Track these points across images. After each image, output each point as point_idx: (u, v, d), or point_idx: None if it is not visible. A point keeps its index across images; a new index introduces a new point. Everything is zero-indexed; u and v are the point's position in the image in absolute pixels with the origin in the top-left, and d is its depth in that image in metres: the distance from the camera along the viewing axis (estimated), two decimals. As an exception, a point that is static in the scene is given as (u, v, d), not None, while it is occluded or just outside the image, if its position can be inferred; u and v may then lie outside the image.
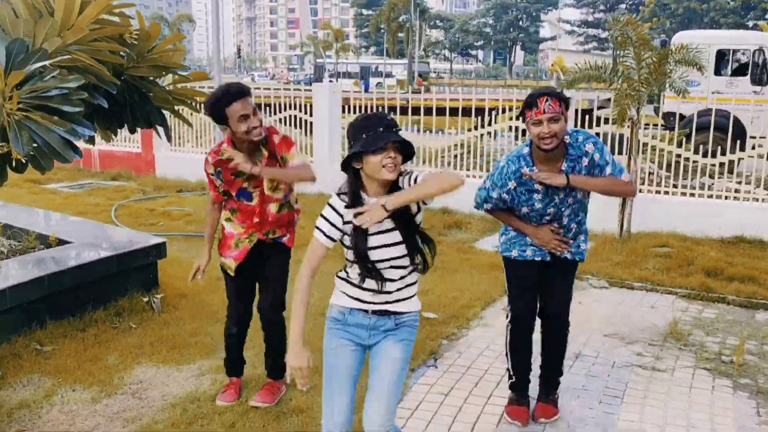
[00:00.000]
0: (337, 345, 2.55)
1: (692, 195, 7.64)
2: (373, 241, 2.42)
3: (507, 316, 3.55)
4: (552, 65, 41.20)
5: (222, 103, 3.20)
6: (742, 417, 3.63)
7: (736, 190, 7.51)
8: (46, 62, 3.67)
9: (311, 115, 9.44)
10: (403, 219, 2.44)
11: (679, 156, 7.87)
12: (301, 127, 9.61)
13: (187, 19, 48.08)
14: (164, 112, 5.13)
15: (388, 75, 45.17)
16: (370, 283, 2.48)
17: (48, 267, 4.38)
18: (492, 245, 6.98)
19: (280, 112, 9.73)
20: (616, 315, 5.12)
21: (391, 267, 2.46)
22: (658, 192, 7.77)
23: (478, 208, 3.43)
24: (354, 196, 2.43)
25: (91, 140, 4.27)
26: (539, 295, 3.49)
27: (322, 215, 2.46)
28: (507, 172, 3.22)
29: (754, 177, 7.47)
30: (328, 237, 2.45)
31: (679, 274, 5.94)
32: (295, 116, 9.60)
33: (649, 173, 8.32)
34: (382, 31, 45.83)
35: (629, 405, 3.74)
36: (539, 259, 3.37)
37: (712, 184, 7.99)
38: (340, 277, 2.59)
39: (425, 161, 8.98)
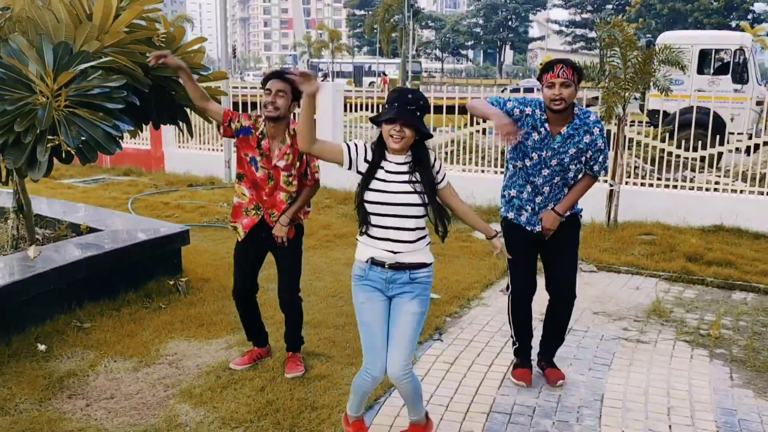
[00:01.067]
0: (366, 299, 2.96)
1: (675, 187, 8.10)
2: (386, 184, 2.85)
3: (507, 286, 3.98)
4: (541, 64, 41.65)
5: (267, 78, 3.79)
6: (717, 381, 4.06)
7: (716, 183, 7.97)
8: (91, 63, 4.06)
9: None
10: (428, 177, 2.87)
11: (662, 151, 8.34)
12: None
13: (185, 19, 48.28)
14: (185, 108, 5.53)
15: (382, 74, 45.81)
16: (381, 235, 2.89)
17: (85, 252, 4.76)
18: (488, 235, 7.41)
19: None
20: (605, 295, 5.56)
21: (396, 217, 2.85)
22: (643, 185, 8.23)
23: (492, 103, 3.65)
24: (380, 153, 2.91)
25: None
26: (545, 266, 3.90)
27: (356, 143, 2.95)
28: (527, 101, 3.67)
29: (732, 170, 7.93)
30: (350, 153, 2.90)
31: (662, 259, 6.40)
32: (297, 113, 9.97)
33: (635, 167, 8.79)
34: (376, 31, 46.26)
35: (616, 371, 4.17)
36: (530, 229, 3.76)
37: (694, 177, 8.45)
38: (361, 233, 2.98)
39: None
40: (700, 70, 13.53)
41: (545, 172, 3.67)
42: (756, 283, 5.80)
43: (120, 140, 4.76)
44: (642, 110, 13.38)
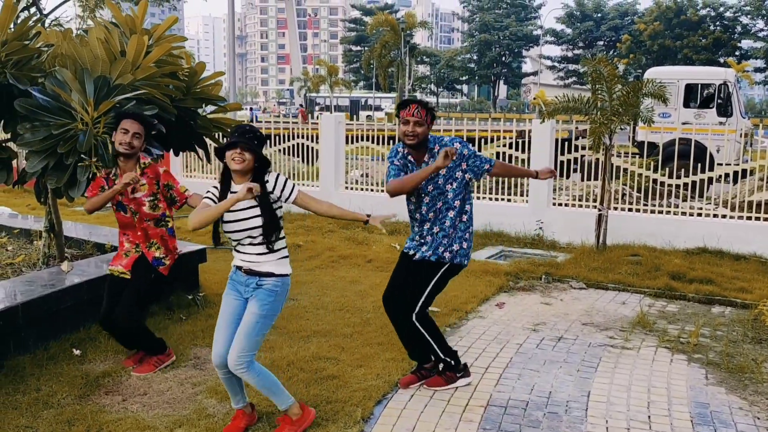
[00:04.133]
0: (226, 295, 3.54)
1: (660, 212, 8.57)
2: (235, 215, 3.35)
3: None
4: (534, 99, 42.81)
5: (121, 117, 4.24)
6: (693, 381, 4.46)
7: (700, 208, 8.45)
8: (128, 95, 4.53)
9: (317, 143, 10.39)
10: (266, 203, 3.37)
11: (648, 178, 8.84)
12: (298, 155, 10.63)
13: (186, 55, 49.52)
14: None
15: (378, 108, 46.87)
16: (240, 249, 3.43)
17: (113, 267, 5.15)
18: (484, 256, 7.85)
19: (288, 140, 10.69)
20: (593, 309, 5.97)
21: (248, 237, 3.37)
22: (630, 210, 8.70)
23: (388, 179, 4.05)
24: (224, 188, 3.42)
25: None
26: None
27: (209, 190, 3.48)
28: (395, 150, 4.07)
29: (713, 197, 8.40)
30: (210, 199, 3.41)
31: (647, 278, 6.82)
32: (301, 144, 10.55)
33: (623, 194, 9.27)
34: (372, 66, 47.46)
35: (602, 373, 4.56)
36: (407, 250, 4.15)
37: (678, 203, 8.94)
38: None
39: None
40: (686, 104, 14.14)
41: (426, 199, 3.99)
42: (734, 299, 6.22)
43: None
44: (632, 143, 13.93)
